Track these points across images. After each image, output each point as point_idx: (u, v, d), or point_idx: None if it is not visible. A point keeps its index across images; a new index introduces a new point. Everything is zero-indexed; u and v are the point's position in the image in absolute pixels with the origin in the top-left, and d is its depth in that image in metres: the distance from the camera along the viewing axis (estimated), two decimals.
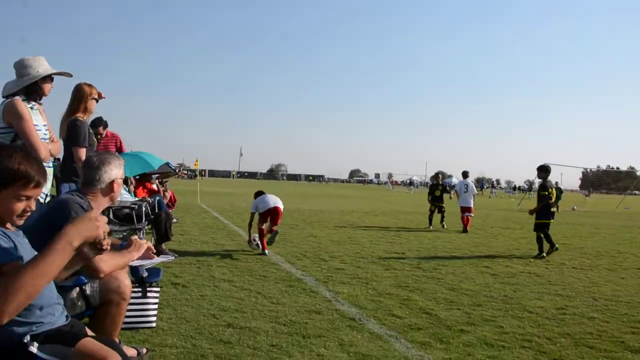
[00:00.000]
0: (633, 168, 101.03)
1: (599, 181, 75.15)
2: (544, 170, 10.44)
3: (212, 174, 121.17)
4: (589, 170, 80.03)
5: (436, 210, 15.47)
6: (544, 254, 9.66)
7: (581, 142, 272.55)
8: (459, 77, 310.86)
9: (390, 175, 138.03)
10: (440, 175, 17.49)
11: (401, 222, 16.82)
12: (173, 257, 6.87)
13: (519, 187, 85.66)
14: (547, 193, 10.04)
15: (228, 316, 4.80)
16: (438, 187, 15.96)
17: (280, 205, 8.66)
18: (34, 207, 2.00)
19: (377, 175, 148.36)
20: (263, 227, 8.59)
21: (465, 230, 14.11)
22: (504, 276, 7.53)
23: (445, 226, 14.99)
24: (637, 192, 59.15)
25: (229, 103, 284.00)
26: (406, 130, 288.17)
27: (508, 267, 8.34)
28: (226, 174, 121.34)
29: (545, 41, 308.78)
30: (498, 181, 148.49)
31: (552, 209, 10.24)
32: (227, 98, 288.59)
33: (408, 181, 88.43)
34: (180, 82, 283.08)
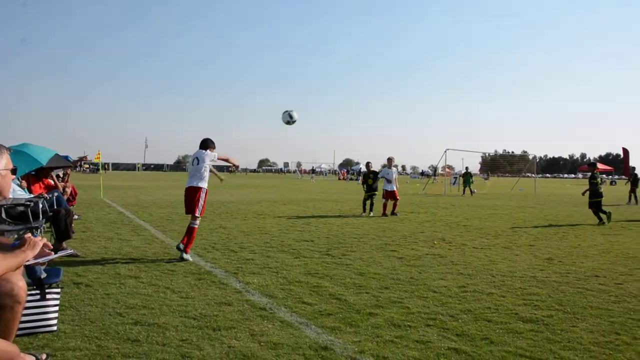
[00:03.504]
0: (526, 152, 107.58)
1: (496, 165, 79.35)
2: (592, 165, 15.51)
3: (117, 167, 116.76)
4: (487, 154, 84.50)
5: (369, 198, 15.74)
6: (604, 222, 13.65)
7: (479, 128, 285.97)
8: (366, 65, 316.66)
9: (299, 164, 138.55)
10: (371, 164, 17.02)
11: (310, 210, 17.00)
12: (72, 251, 6.56)
13: (424, 172, 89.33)
14: (595, 181, 14.43)
15: (135, 314, 4.66)
16: (369, 176, 16.19)
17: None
18: None
19: (286, 164, 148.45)
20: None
21: (393, 213, 15.50)
22: (410, 259, 7.82)
23: (372, 214, 15.40)
24: (529, 174, 63.28)
25: (132, 93, 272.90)
26: (313, 118, 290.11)
27: (414, 250, 8.65)
28: (131, 167, 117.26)
29: (440, 32, 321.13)
30: (404, 167, 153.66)
31: (600, 191, 14.33)
32: (129, 88, 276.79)
33: (310, 170, 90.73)
34: (85, 73, 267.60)
